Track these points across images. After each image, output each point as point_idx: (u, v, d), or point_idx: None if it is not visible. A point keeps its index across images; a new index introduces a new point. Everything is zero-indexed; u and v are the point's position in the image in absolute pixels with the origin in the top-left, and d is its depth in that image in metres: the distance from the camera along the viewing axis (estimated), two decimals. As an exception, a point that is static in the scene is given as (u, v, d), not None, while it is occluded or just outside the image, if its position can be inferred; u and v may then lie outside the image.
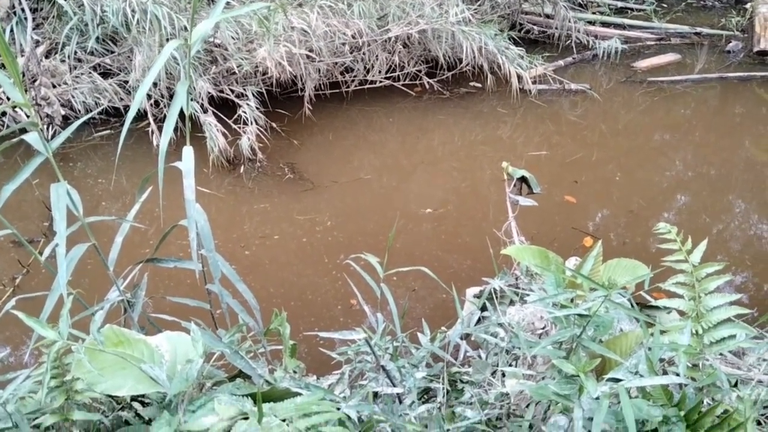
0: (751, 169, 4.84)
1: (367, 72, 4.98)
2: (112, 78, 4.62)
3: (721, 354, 1.86)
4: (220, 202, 4.04)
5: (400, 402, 1.77)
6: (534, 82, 5.15)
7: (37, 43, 4.62)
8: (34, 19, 4.60)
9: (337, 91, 5.02)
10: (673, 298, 1.90)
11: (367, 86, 5.06)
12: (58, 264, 1.63)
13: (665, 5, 6.97)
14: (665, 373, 1.79)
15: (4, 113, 4.40)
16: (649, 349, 1.44)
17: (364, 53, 4.87)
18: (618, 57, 5.84)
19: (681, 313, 1.96)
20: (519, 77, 4.99)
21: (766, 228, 4.26)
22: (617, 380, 1.37)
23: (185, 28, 4.29)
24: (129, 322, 2.01)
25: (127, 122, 1.56)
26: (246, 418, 1.38)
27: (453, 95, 5.20)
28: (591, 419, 1.29)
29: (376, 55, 4.90)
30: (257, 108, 4.45)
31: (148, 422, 1.49)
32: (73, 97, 4.47)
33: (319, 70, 4.71)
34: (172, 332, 1.74)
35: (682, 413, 1.33)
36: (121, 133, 1.67)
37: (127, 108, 4.59)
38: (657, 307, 2.25)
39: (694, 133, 5.26)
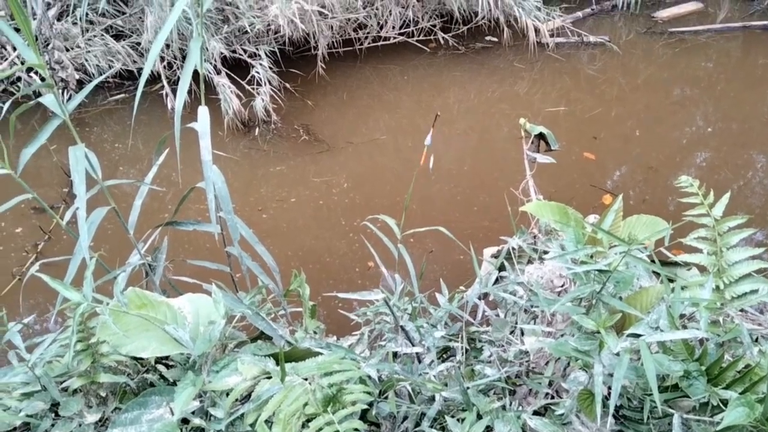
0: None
1: (381, 28, 4.89)
2: (124, 40, 4.59)
3: (742, 309, 1.85)
4: (236, 165, 4.05)
5: (420, 361, 1.78)
6: (551, 35, 5.03)
7: (49, 6, 4.59)
8: (43, -17, 4.55)
9: (351, 48, 4.95)
10: (694, 254, 1.89)
11: (381, 43, 4.98)
12: (79, 227, 1.64)
13: (688, -48, 6.73)
14: (686, 328, 1.79)
15: (19, 78, 4.40)
16: (670, 305, 1.43)
17: (377, 8, 4.77)
18: (638, 7, 5.68)
19: (702, 269, 1.95)
20: (536, 30, 4.87)
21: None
22: (637, 336, 1.37)
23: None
24: (151, 286, 2.03)
25: (141, 85, 1.55)
26: (269, 378, 1.40)
27: (468, 50, 5.11)
28: (611, 375, 1.29)
29: (390, 10, 4.80)
30: (270, 68, 4.40)
31: (173, 384, 1.52)
32: (86, 60, 4.46)
33: (332, 27, 4.63)
34: (193, 294, 1.76)
35: (704, 368, 1.32)
36: (136, 97, 1.66)
37: (140, 70, 4.57)
38: (677, 264, 2.23)
39: (715, 87, 5.14)
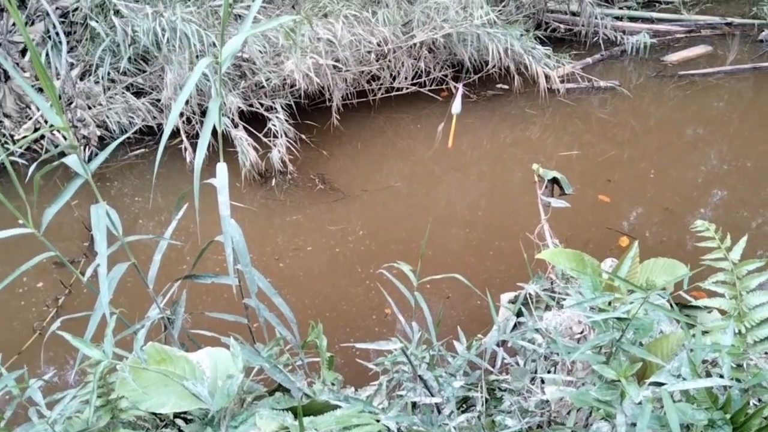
0: (790, 160, 4.72)
1: (394, 79, 4.99)
2: (144, 97, 4.72)
3: (766, 353, 1.82)
4: (253, 215, 4.09)
5: (439, 412, 1.76)
6: (562, 81, 5.10)
7: (72, 66, 4.75)
8: (68, 42, 4.73)
9: (364, 99, 5.04)
10: (714, 298, 1.87)
11: (394, 93, 5.07)
12: (100, 284, 1.67)
13: (694, -4, 6.85)
14: (708, 374, 1.76)
15: (42, 136, 4.52)
16: (691, 350, 1.42)
17: (389, 60, 4.88)
18: (647, 52, 5.75)
19: (722, 312, 1.92)
20: (546, 77, 4.95)
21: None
22: (660, 384, 1.35)
23: (214, 44, 4.36)
24: (170, 339, 2.05)
25: (163, 142, 1.60)
26: (287, 432, 1.39)
27: (480, 98, 5.19)
28: (634, 425, 1.28)
29: (402, 62, 4.91)
30: (286, 120, 4.50)
31: (192, 438, 1.52)
32: (107, 117, 4.58)
33: (346, 80, 4.74)
34: (212, 348, 1.77)
35: (728, 416, 1.30)
36: (158, 152, 1.71)
37: (160, 126, 4.69)
38: (698, 307, 2.21)
39: (728, 127, 5.15)
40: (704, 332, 1.83)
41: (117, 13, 4.59)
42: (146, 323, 1.93)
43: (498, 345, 2.23)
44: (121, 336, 1.92)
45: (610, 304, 1.69)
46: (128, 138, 4.69)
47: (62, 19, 4.83)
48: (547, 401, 1.65)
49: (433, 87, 5.15)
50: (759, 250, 3.88)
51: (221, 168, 1.70)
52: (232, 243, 1.76)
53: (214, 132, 1.70)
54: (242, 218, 4.05)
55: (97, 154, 4.38)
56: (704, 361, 1.79)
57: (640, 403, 1.30)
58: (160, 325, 2.10)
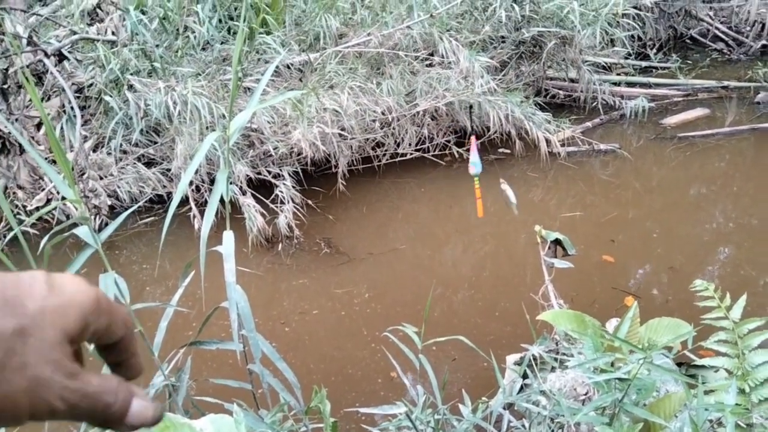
0: (794, 217, 4.74)
1: (398, 145, 5.11)
2: (155, 167, 4.85)
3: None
4: (260, 280, 4.13)
5: (444, 476, 1.75)
6: (563, 145, 5.21)
7: (85, 139, 4.90)
8: (82, 116, 4.90)
9: (369, 165, 5.15)
10: (718, 357, 1.87)
11: (398, 159, 5.19)
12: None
13: (690, 62, 7.04)
14: (716, 435, 1.74)
15: (54, 206, 4.63)
16: (693, 411, 1.42)
17: (394, 128, 5.02)
18: (646, 115, 5.88)
19: (729, 371, 1.92)
20: (547, 141, 5.06)
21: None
22: (662, 446, 1.35)
23: (224, 116, 4.51)
24: (174, 406, 2.05)
25: (171, 210, 1.65)
26: (289, 498, 1.38)
27: (483, 162, 5.28)
28: (638, 488, 1.27)
29: (406, 129, 5.04)
30: (293, 187, 4.59)
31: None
32: (118, 187, 4.70)
33: (351, 147, 4.86)
34: (215, 414, 1.77)
35: (733, 478, 1.29)
36: (165, 220, 1.77)
37: (169, 195, 4.79)
38: (704, 367, 2.20)
39: (731, 185, 5.20)
40: (710, 391, 1.82)
41: (130, 87, 4.77)
42: (150, 390, 1.94)
43: (504, 408, 2.22)
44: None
45: (613, 365, 1.69)
46: (138, 207, 4.79)
47: (77, 94, 5.03)
48: (552, 465, 1.64)
49: (436, 152, 5.26)
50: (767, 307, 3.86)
51: (228, 236, 1.75)
52: (237, 309, 1.79)
53: (222, 200, 1.76)
54: (249, 282, 4.08)
55: (107, 223, 4.48)
56: (710, 421, 1.78)
57: (642, 464, 1.30)
58: (164, 392, 2.10)
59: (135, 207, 2.24)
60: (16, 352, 0.40)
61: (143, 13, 5.07)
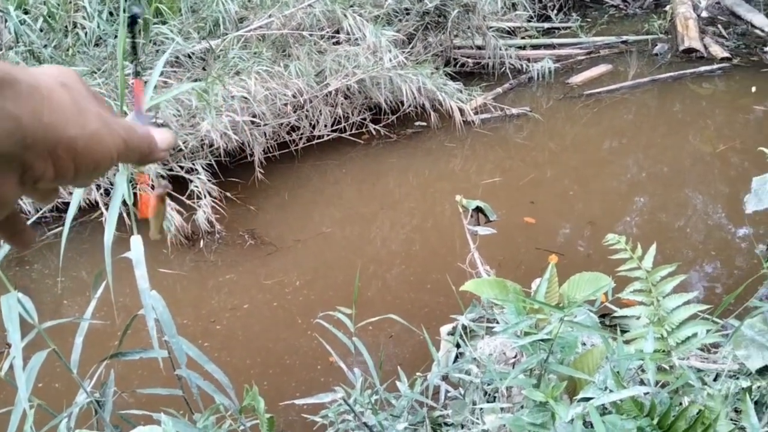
0: (700, 161, 5.01)
1: (313, 128, 5.04)
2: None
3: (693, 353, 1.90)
4: (185, 280, 4.00)
5: (385, 457, 1.75)
6: (476, 113, 5.27)
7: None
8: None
9: (287, 150, 5.06)
10: (636, 306, 1.94)
11: (316, 141, 5.12)
12: (17, 378, 1.59)
13: (589, 20, 7.26)
14: (642, 382, 1.82)
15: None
16: (614, 363, 1.46)
17: (307, 110, 4.93)
18: (552, 76, 6.03)
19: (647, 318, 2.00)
20: (461, 110, 5.11)
21: (722, 216, 4.39)
22: (589, 399, 1.39)
23: (125, 113, 4.30)
24: (101, 423, 1.96)
25: (68, 223, 1.56)
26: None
27: (400, 137, 5.29)
28: (569, 444, 1.30)
29: (320, 110, 4.97)
30: (209, 180, 4.45)
31: None
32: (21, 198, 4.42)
33: (265, 134, 4.75)
34: (144, 427, 1.70)
35: (655, 421, 1.34)
36: (63, 231, 1.67)
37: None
38: (627, 316, 2.29)
39: (639, 137, 5.43)
40: (631, 340, 1.89)
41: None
42: (73, 410, 1.84)
43: (442, 379, 2.25)
44: (48, 427, 1.83)
45: (537, 326, 1.73)
46: (45, 217, 4.53)
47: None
48: (489, 430, 1.67)
49: (353, 131, 5.22)
50: (685, 250, 4.07)
51: (135, 240, 1.67)
52: (155, 314, 1.72)
53: (126, 202, 1.67)
54: (173, 284, 3.95)
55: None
56: (637, 369, 1.85)
57: (571, 421, 1.33)
58: (90, 409, 2.01)
59: (36, 216, 2.11)
60: (75, 99, 0.43)
61: (26, 12, 4.75)
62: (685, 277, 1.96)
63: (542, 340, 1.47)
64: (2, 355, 3.43)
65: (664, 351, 1.80)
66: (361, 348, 2.14)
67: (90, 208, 4.41)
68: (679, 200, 4.56)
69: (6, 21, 4.68)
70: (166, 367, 1.98)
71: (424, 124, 5.29)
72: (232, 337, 3.54)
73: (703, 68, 6.14)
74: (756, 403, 1.63)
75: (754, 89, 5.79)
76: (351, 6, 5.01)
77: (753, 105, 5.62)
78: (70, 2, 4.80)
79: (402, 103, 5.09)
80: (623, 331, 2.26)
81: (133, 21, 0.49)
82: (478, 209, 3.26)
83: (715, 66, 6.17)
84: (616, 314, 2.24)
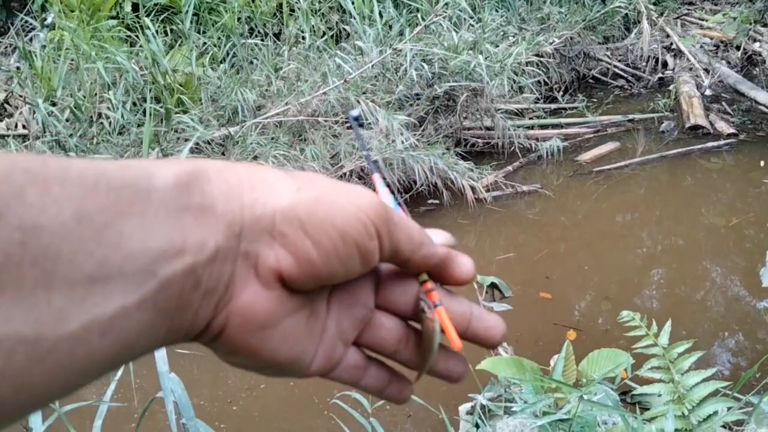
0: (715, 234, 5.02)
1: (329, 208, 5.13)
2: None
3: (712, 430, 1.87)
4: (201, 360, 3.99)
5: None
6: (488, 190, 5.36)
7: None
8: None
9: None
10: (655, 383, 1.93)
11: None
12: (36, 463, 1.60)
13: (595, 100, 7.45)
14: (665, 460, 1.78)
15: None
16: (635, 441, 1.45)
17: (320, 192, 5.04)
18: (561, 154, 6.14)
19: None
20: (473, 188, 5.20)
21: (740, 289, 4.35)
22: (611, 480, 1.37)
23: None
24: None
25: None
26: None
27: (414, 214, 5.25)
28: None
29: (334, 189, 5.07)
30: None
31: None
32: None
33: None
34: None
35: (680, 503, 1.32)
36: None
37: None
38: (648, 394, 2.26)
39: (653, 210, 5.47)
40: (652, 418, 1.87)
41: None
42: (90, 497, 1.83)
43: (461, 462, 2.21)
44: None
45: (557, 404, 1.72)
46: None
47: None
48: None
49: (367, 210, 5.30)
50: (705, 323, 4.03)
51: (157, 323, 1.70)
52: (173, 397, 1.73)
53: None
54: (190, 364, 3.94)
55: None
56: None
57: (594, 503, 1.31)
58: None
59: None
60: None
61: (53, 104, 4.99)
62: (703, 353, 1.96)
63: (561, 420, 1.47)
64: (18, 440, 3.40)
65: (686, 429, 1.77)
66: (378, 429, 2.12)
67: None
68: (695, 273, 4.55)
69: (34, 113, 4.91)
70: (184, 451, 1.98)
71: (437, 201, 5.38)
72: (248, 417, 3.51)
73: (710, 144, 6.24)
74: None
75: (762, 163, 5.86)
76: (363, 93, 5.22)
77: (762, 179, 5.67)
78: (96, 94, 5.04)
79: (415, 182, 5.20)
80: (644, 409, 2.23)
81: (358, 123, 0.51)
82: (493, 285, 3.28)
83: (722, 141, 6.26)
84: (636, 392, 2.22)
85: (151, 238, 0.29)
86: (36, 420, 1.62)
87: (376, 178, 0.47)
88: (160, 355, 1.71)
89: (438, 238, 0.43)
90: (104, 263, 0.28)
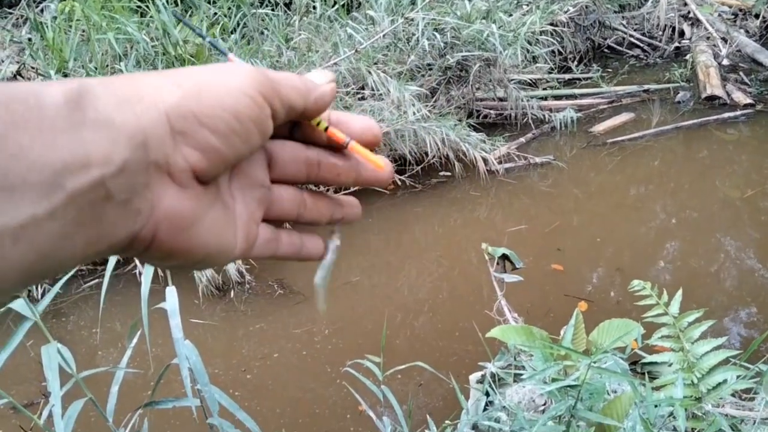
0: (729, 206, 4.97)
1: (340, 179, 5.14)
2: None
3: (721, 398, 1.88)
4: (215, 330, 4.06)
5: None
6: (500, 162, 5.34)
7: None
8: None
9: (314, 201, 5.15)
10: (665, 352, 1.94)
11: (342, 193, 5.21)
12: (55, 426, 1.64)
13: (610, 70, 7.35)
14: (675, 429, 1.80)
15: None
16: (643, 409, 1.47)
17: (334, 162, 5.04)
18: (575, 125, 6.09)
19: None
20: (485, 160, 5.18)
21: (754, 261, 4.33)
22: (618, 446, 1.39)
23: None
24: (135, 472, 1.99)
25: (107, 276, 1.63)
26: None
27: (425, 187, 5.36)
28: (599, 490, 1.30)
29: (346, 162, 5.07)
30: (239, 232, 4.55)
31: None
32: (59, 252, 4.56)
33: (294, 186, 4.86)
34: (177, 474, 1.73)
35: (687, 468, 1.34)
36: (103, 283, 1.74)
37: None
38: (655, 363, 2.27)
39: (666, 182, 5.42)
40: (662, 386, 1.88)
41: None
42: (109, 459, 1.88)
43: (472, 428, 2.24)
44: (84, 476, 1.87)
45: (566, 372, 1.74)
46: (81, 270, 4.66)
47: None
48: (519, 479, 1.66)
49: (379, 182, 5.31)
50: (716, 294, 4.02)
51: (170, 291, 1.73)
52: (188, 363, 1.77)
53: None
54: (205, 333, 4.01)
55: (49, 290, 4.33)
56: (663, 416, 1.83)
57: (601, 467, 1.33)
58: (124, 458, 2.04)
59: (70, 273, 2.20)
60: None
61: (65, 76, 5.00)
62: (714, 322, 1.96)
63: (570, 386, 1.48)
64: (37, 406, 3.49)
65: (695, 397, 1.79)
66: (390, 397, 2.15)
67: (125, 261, 4.53)
68: (709, 245, 4.52)
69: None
70: (198, 416, 2.02)
71: (449, 174, 5.37)
72: (262, 386, 3.57)
73: (726, 114, 6.15)
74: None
75: (780, 134, 5.77)
76: (375, 63, 5.18)
77: (779, 150, 5.59)
78: (107, 65, 5.04)
79: (426, 154, 5.18)
80: (654, 378, 2.24)
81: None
82: (505, 257, 3.29)
83: (739, 112, 6.17)
84: (645, 360, 2.23)
85: (52, 151, 0.30)
86: (54, 385, 1.66)
87: (232, 56, 0.48)
88: (175, 322, 1.74)
89: (319, 78, 0.43)
90: (7, 173, 0.28)
